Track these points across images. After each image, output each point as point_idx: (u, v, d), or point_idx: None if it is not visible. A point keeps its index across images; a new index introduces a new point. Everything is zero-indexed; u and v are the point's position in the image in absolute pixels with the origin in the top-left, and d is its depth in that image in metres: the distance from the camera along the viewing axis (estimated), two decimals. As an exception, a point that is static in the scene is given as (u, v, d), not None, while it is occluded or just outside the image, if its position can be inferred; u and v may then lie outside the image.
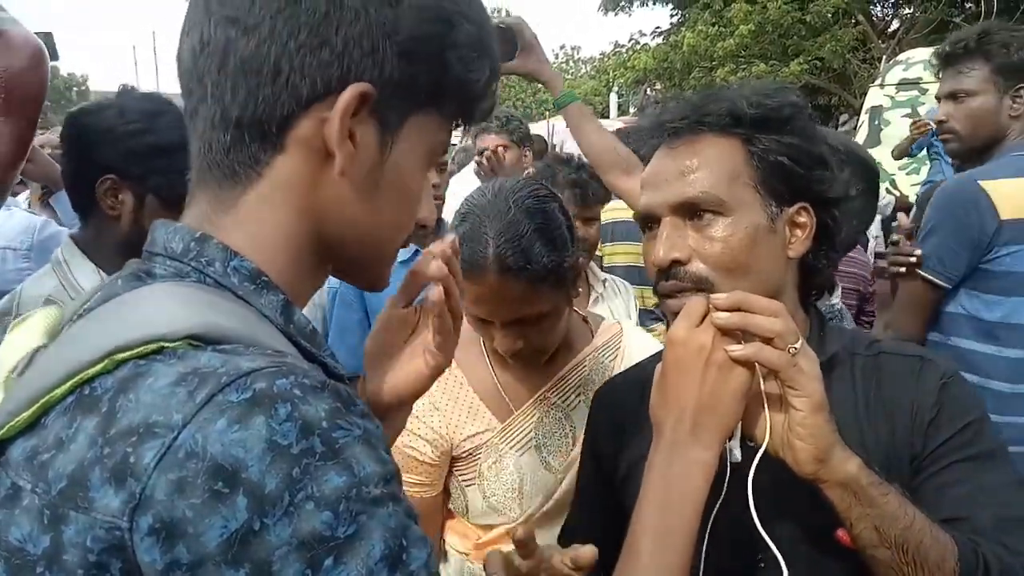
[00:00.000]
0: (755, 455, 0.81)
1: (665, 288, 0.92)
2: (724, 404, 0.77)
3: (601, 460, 1.11)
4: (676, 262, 0.90)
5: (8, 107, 1.33)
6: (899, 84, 6.53)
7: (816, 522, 0.87)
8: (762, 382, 0.80)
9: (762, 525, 0.79)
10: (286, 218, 0.60)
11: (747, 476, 0.80)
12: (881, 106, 6.52)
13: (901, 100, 6.44)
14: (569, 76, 38.90)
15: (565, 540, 1.07)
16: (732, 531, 0.87)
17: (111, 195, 1.33)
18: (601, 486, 1.10)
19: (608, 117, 10.48)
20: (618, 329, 1.37)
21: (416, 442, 1.29)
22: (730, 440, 0.84)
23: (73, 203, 1.40)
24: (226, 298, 0.57)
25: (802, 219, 0.94)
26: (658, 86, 15.54)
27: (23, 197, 3.15)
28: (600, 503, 1.10)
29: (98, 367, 0.50)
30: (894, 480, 0.83)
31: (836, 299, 1.43)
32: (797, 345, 0.78)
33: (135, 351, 0.50)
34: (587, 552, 0.86)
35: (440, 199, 2.51)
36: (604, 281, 2.16)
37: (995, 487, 0.89)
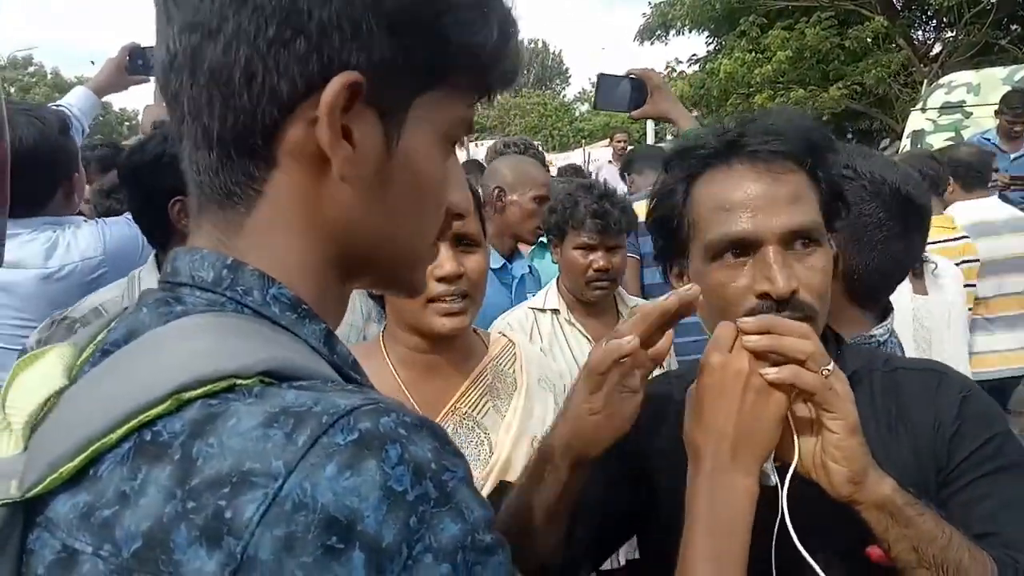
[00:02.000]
0: (785, 477, 0.81)
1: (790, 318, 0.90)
2: (763, 429, 0.78)
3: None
4: (794, 292, 0.89)
5: None
6: (941, 108, 6.43)
7: (851, 540, 0.86)
8: (791, 407, 0.81)
9: (818, 543, 0.78)
10: (298, 238, 0.53)
11: (780, 498, 0.80)
12: (923, 130, 6.42)
13: (944, 124, 6.33)
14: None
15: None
16: (787, 555, 0.86)
17: (184, 215, 1.40)
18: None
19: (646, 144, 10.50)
20: (506, 340, 1.39)
21: None
22: (765, 464, 0.84)
23: (149, 238, 1.46)
24: (273, 330, 0.52)
25: (835, 250, 0.97)
26: (695, 113, 15.50)
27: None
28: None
29: (159, 408, 0.44)
30: (922, 496, 0.83)
31: (884, 328, 1.41)
32: (830, 367, 0.78)
33: (204, 389, 0.44)
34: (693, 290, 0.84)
35: None
36: (634, 307, 2.16)
37: (1022, 500, 0.89)
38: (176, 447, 0.43)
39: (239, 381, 0.45)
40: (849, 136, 16.08)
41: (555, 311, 2.09)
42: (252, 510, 0.40)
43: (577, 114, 36.98)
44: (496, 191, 2.55)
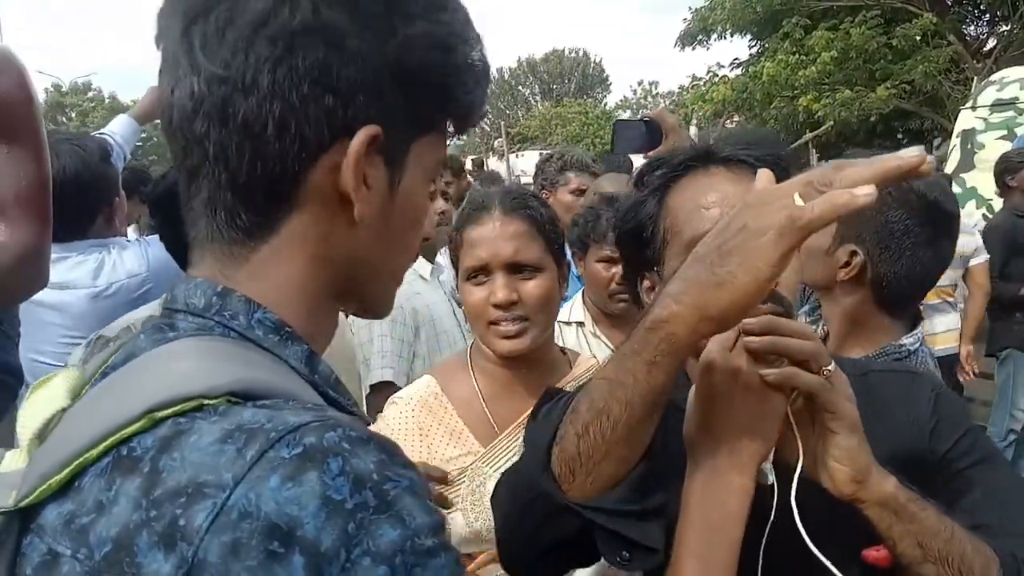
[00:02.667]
0: (793, 477, 0.80)
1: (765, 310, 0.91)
2: (761, 428, 0.77)
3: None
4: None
5: (18, 132, 1.43)
6: (993, 105, 6.24)
7: (849, 542, 0.86)
8: (790, 407, 0.81)
9: (817, 544, 0.78)
10: (300, 270, 0.58)
11: (788, 498, 0.80)
12: (974, 129, 6.23)
13: (996, 122, 6.14)
14: (648, 111, 38.88)
15: None
16: (779, 554, 0.87)
17: None
18: None
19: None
20: (595, 362, 1.43)
21: None
22: (763, 463, 0.84)
23: (177, 261, 1.51)
24: (254, 351, 0.56)
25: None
26: (736, 118, 15.32)
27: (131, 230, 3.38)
28: None
29: (135, 426, 0.49)
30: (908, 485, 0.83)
31: (914, 337, 1.39)
32: (831, 367, 0.78)
33: (175, 409, 0.49)
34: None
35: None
36: None
37: (1004, 489, 0.92)
38: (147, 461, 0.47)
39: (207, 401, 0.49)
40: (899, 136, 15.67)
41: (580, 323, 2.11)
42: (202, 518, 0.44)
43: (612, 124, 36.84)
44: (540, 186, 2.62)
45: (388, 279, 0.65)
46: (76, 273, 2.04)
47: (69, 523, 0.48)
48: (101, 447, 0.49)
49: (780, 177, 0.94)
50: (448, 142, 0.66)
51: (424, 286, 2.69)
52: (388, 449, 0.49)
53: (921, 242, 1.33)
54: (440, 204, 2.86)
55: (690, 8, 17.23)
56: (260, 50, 0.53)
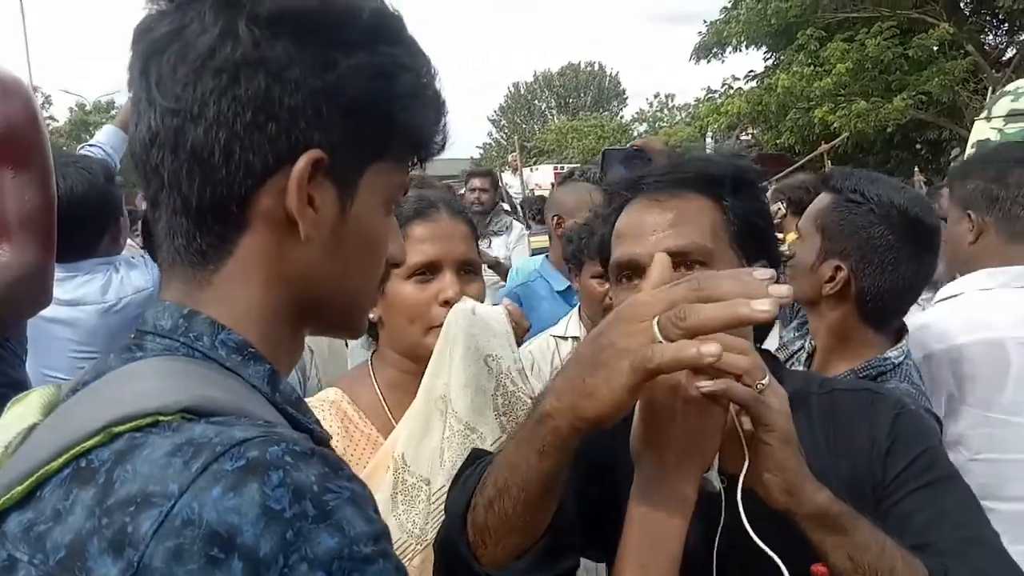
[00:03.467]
0: (738, 486, 0.82)
1: None
2: (701, 439, 0.80)
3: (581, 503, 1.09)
4: None
5: (25, 157, 1.48)
6: (1008, 116, 6.16)
7: (798, 553, 0.87)
8: (736, 417, 0.82)
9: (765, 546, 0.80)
10: (259, 291, 0.61)
11: (737, 505, 0.81)
12: (988, 140, 6.17)
13: (1010, 132, 6.03)
14: (664, 124, 38.86)
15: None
16: (732, 558, 0.89)
17: None
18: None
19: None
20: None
21: None
22: (708, 471, 0.86)
23: None
24: (215, 371, 0.58)
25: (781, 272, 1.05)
26: (750, 130, 15.29)
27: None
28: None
29: (94, 440, 0.51)
30: (860, 510, 0.85)
31: (899, 350, 1.39)
32: (764, 381, 0.80)
33: (131, 424, 0.51)
34: None
35: None
36: None
37: (954, 510, 0.92)
38: (102, 472, 0.50)
39: (162, 417, 0.52)
40: (917, 147, 15.55)
41: (576, 338, 2.12)
42: (148, 525, 0.47)
43: (635, 135, 36.88)
44: (555, 218, 2.64)
45: (351, 300, 0.67)
46: (86, 290, 2.10)
47: (28, 530, 0.51)
48: (61, 459, 0.52)
49: (713, 192, 1.00)
50: (411, 170, 0.68)
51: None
52: (332, 463, 0.52)
53: (904, 257, 1.35)
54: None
55: (705, 21, 17.29)
56: (206, 83, 0.56)
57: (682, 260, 0.96)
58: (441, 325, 1.22)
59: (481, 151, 46.00)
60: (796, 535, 0.84)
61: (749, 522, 0.81)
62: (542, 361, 2.09)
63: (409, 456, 1.19)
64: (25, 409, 0.61)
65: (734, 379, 0.80)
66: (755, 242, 1.00)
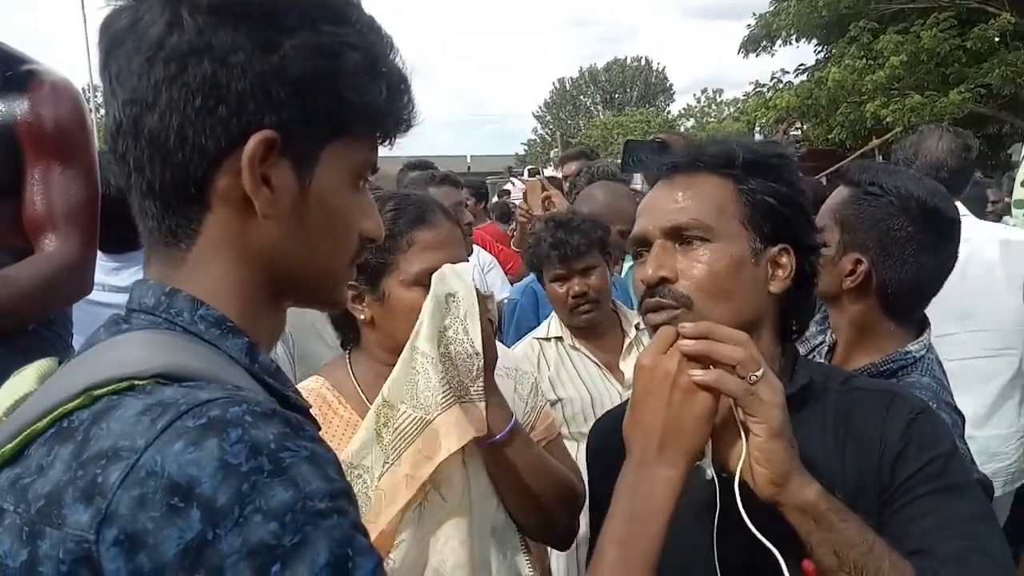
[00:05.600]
0: (735, 476, 0.84)
1: (649, 304, 1.01)
2: (689, 426, 0.82)
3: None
4: (663, 280, 0.99)
5: (72, 153, 1.56)
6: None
7: (793, 546, 0.87)
8: (733, 408, 0.84)
9: (763, 535, 0.82)
10: (230, 267, 0.65)
11: (732, 490, 0.84)
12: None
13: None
14: (712, 119, 38.26)
15: None
16: (737, 544, 0.89)
17: None
18: None
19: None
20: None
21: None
22: (702, 460, 0.88)
23: None
24: (194, 343, 0.62)
25: (783, 260, 1.02)
26: (798, 124, 14.96)
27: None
28: None
29: (76, 402, 0.56)
30: (861, 512, 0.84)
31: (920, 344, 1.37)
32: (758, 373, 0.82)
33: (110, 388, 0.56)
34: None
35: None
36: (637, 325, 2.11)
37: (960, 519, 0.90)
38: (81, 431, 0.55)
39: (137, 381, 0.56)
40: (977, 142, 14.99)
41: (559, 338, 2.11)
42: (115, 476, 0.51)
43: (682, 130, 36.41)
44: None
45: (321, 274, 0.70)
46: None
47: (14, 484, 0.56)
48: (46, 420, 0.56)
49: (729, 172, 1.02)
50: (381, 147, 0.71)
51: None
52: (293, 424, 0.55)
53: (924, 249, 1.32)
54: (464, 215, 2.93)
55: (754, 14, 16.96)
56: (158, 72, 0.60)
57: (682, 234, 1.00)
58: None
59: (526, 147, 46.00)
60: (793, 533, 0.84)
61: (748, 511, 0.83)
62: (528, 364, 2.09)
63: (386, 392, 1.23)
64: (22, 379, 0.66)
65: (730, 369, 0.81)
66: (772, 223, 1.01)
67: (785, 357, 1.06)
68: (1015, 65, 12.14)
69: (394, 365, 1.30)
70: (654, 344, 0.87)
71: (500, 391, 1.31)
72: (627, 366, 2.06)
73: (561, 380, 2.03)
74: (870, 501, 0.92)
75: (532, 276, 2.93)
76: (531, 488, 1.30)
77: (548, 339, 2.11)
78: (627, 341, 2.10)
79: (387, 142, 0.71)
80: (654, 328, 0.97)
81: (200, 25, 0.59)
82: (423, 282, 1.24)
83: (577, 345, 2.08)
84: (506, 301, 2.81)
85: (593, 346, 2.09)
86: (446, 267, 1.24)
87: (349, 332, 1.38)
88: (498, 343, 1.40)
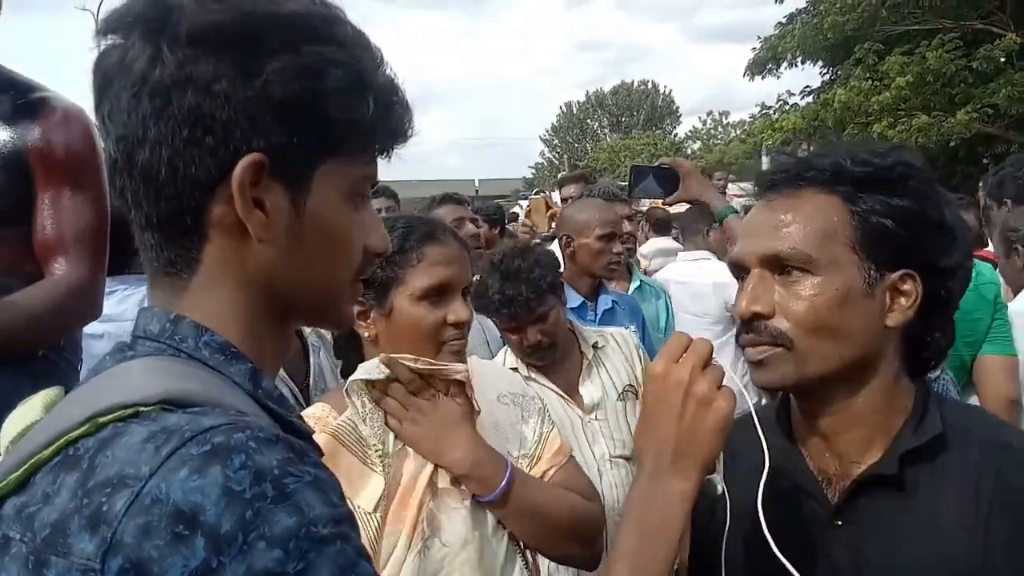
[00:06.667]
0: (758, 494, 0.82)
1: (744, 341, 0.93)
2: (703, 437, 0.79)
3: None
4: (758, 315, 0.90)
5: (82, 179, 1.57)
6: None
7: (856, 553, 0.86)
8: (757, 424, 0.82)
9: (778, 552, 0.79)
10: (232, 293, 0.65)
11: (747, 506, 0.82)
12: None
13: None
14: (719, 141, 38.39)
15: None
16: (745, 561, 0.88)
17: None
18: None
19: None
20: (468, 366, 1.36)
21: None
22: (712, 474, 0.86)
23: None
24: (198, 369, 0.62)
25: (906, 287, 0.89)
26: (805, 146, 14.98)
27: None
28: None
29: (81, 430, 0.56)
30: None
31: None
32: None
33: (115, 415, 0.56)
34: None
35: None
36: (595, 344, 2.08)
37: None
38: (87, 459, 0.55)
39: (143, 408, 0.56)
40: (985, 161, 14.97)
41: (515, 369, 2.03)
42: (121, 504, 0.51)
43: (688, 152, 36.52)
44: (564, 239, 2.63)
45: (323, 293, 0.69)
46: (126, 305, 2.18)
47: (20, 512, 0.56)
48: (52, 448, 0.56)
49: (839, 190, 0.91)
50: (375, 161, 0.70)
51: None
52: (297, 450, 0.55)
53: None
54: (469, 228, 2.94)
55: (759, 36, 17.08)
56: (144, 107, 0.60)
57: (780, 264, 0.90)
58: (448, 343, 1.27)
59: (533, 171, 46.21)
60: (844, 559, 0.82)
61: (752, 524, 0.81)
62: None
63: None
64: (28, 408, 0.66)
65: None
66: (891, 247, 0.88)
67: (915, 399, 0.94)
68: (1021, 85, 12.14)
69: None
70: (665, 351, 0.83)
71: (488, 445, 1.28)
72: (585, 390, 2.02)
73: None
74: None
75: None
76: (539, 528, 1.28)
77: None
78: (585, 363, 2.06)
79: (385, 156, 0.71)
80: (753, 363, 0.91)
81: (180, 58, 0.60)
82: (429, 297, 1.25)
83: (532, 376, 2.02)
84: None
85: (552, 374, 2.03)
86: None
87: (352, 357, 1.38)
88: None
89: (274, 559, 0.49)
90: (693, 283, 3.51)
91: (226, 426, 0.54)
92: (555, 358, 2.02)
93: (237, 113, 0.60)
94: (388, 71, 0.68)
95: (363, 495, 1.21)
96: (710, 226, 3.63)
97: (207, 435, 0.53)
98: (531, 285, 1.88)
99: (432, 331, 1.26)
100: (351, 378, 1.25)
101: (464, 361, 1.31)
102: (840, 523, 0.89)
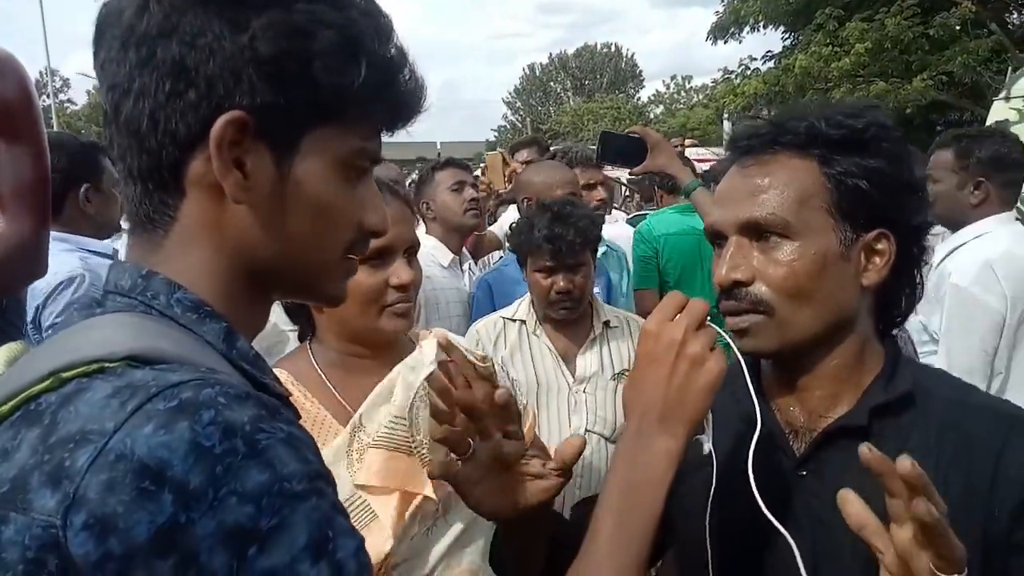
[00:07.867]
0: (749, 454, 0.82)
1: (725, 308, 0.93)
2: (692, 397, 0.78)
3: None
4: (738, 283, 0.90)
5: (18, 131, 1.50)
6: (1028, 95, 6.04)
7: (817, 502, 0.88)
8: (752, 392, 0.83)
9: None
10: (207, 254, 0.63)
11: (735, 466, 0.82)
12: (1007, 120, 6.05)
13: (1030, 112, 5.95)
14: (682, 106, 38.46)
15: None
16: (730, 520, 0.89)
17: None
18: None
19: (723, 146, 10.31)
20: (438, 339, 1.34)
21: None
22: (701, 434, 0.84)
23: None
24: (169, 326, 0.60)
25: (880, 246, 0.90)
26: (766, 111, 15.10)
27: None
28: None
29: (43, 385, 0.54)
30: (965, 539, 0.71)
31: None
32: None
33: (79, 370, 0.54)
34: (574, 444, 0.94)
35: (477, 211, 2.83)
36: (607, 322, 2.08)
37: None
38: (48, 414, 0.53)
39: (107, 364, 0.54)
40: (938, 128, 15.30)
41: (523, 322, 2.07)
42: (83, 460, 0.49)
43: (652, 116, 36.55)
44: (524, 200, 2.60)
45: (306, 266, 0.66)
46: None
47: None
48: (12, 403, 0.54)
49: (814, 152, 0.89)
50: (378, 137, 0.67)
51: (440, 272, 2.69)
52: (269, 407, 0.54)
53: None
54: (469, 192, 2.89)
55: (722, 1, 17.05)
56: (131, 58, 0.59)
57: (759, 231, 0.90)
58: (392, 306, 1.24)
59: (496, 134, 45.81)
60: (813, 490, 0.84)
61: (740, 484, 0.81)
62: (486, 340, 2.05)
63: (365, 418, 1.21)
64: None
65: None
66: (866, 208, 0.88)
67: (885, 357, 0.95)
68: (975, 53, 12.36)
69: (350, 353, 1.29)
70: (659, 310, 0.82)
71: None
72: (583, 360, 2.03)
73: (514, 362, 2.01)
74: (971, 540, 0.77)
75: (490, 270, 2.89)
76: None
77: (513, 320, 2.09)
78: (592, 336, 2.06)
79: (388, 131, 0.68)
80: (736, 332, 0.91)
81: (167, 8, 0.58)
82: (369, 260, 1.21)
83: (539, 332, 2.05)
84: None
85: (556, 335, 2.05)
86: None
87: (305, 322, 1.34)
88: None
89: (246, 514, 0.48)
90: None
91: (195, 381, 0.52)
92: (571, 318, 2.03)
93: (221, 68, 0.58)
94: (397, 43, 0.65)
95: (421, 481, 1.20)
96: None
97: (175, 390, 0.51)
98: (579, 231, 1.94)
99: (373, 295, 1.23)
100: (423, 376, 1.20)
101: (410, 323, 1.28)
102: (804, 473, 0.91)
